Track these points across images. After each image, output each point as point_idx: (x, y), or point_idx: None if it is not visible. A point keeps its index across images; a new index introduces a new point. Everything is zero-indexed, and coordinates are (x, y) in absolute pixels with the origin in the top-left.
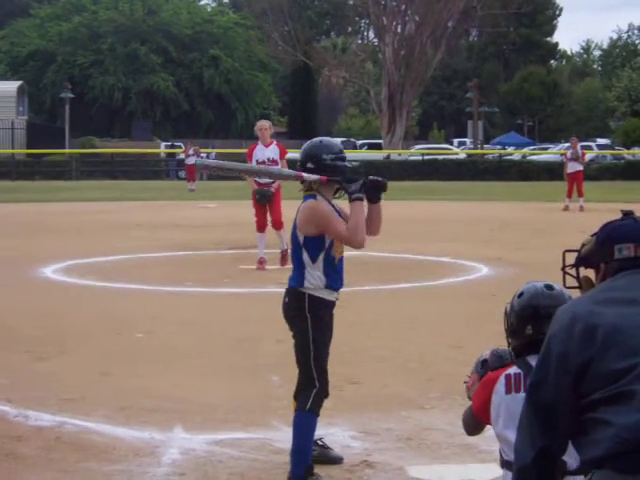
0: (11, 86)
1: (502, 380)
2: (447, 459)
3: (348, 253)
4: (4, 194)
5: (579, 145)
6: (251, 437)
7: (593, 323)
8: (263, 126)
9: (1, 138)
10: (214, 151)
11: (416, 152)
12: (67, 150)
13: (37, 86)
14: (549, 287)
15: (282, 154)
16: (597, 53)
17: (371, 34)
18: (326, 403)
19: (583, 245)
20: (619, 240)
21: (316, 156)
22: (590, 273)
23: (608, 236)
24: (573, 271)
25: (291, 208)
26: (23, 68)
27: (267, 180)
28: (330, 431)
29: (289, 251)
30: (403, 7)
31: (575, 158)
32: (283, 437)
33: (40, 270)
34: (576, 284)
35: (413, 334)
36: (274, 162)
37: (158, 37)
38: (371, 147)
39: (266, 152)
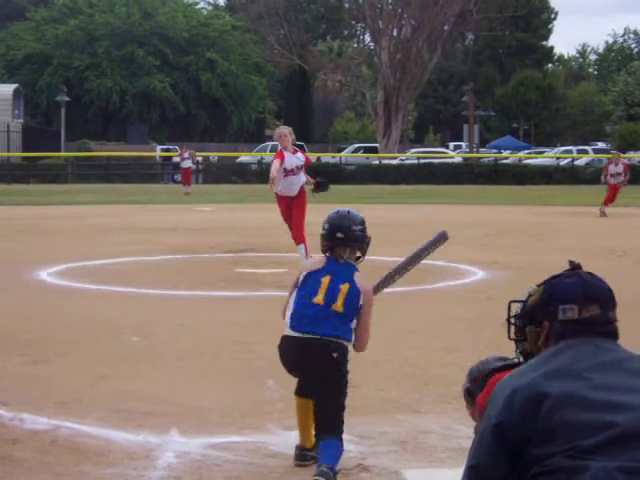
0: (7, 89)
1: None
2: (443, 463)
3: None
4: None
5: (622, 160)
6: (247, 440)
7: (539, 393)
8: (282, 133)
9: None
10: (214, 154)
11: (412, 155)
12: (63, 153)
13: (33, 89)
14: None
15: (306, 163)
16: (593, 57)
17: (367, 38)
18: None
19: (530, 296)
20: (563, 300)
21: (346, 229)
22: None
23: (551, 296)
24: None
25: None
26: (19, 71)
27: (289, 192)
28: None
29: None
30: (399, 11)
31: (619, 173)
32: (278, 440)
33: (35, 273)
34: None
35: (409, 338)
36: (300, 169)
37: (154, 40)
38: (367, 151)
39: (294, 160)
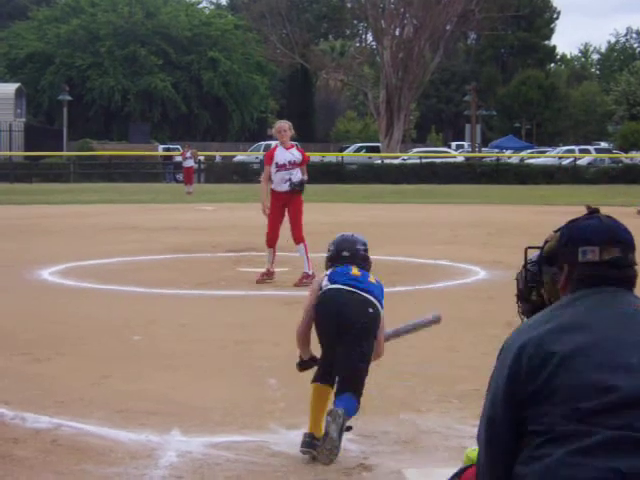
0: (9, 88)
1: None
2: (444, 462)
3: None
4: (1, 196)
5: None
6: (248, 440)
7: (545, 351)
8: (282, 127)
9: None
10: (217, 154)
11: (414, 155)
12: (65, 153)
13: (35, 88)
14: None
15: (304, 160)
16: (595, 57)
17: (369, 37)
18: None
19: (546, 242)
20: (583, 242)
21: (351, 248)
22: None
23: (572, 237)
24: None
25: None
26: (21, 70)
27: (284, 187)
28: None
29: (310, 272)
30: (401, 10)
31: None
32: (280, 440)
33: (37, 272)
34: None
35: (410, 337)
36: (295, 165)
37: (157, 39)
38: (369, 150)
39: (287, 154)
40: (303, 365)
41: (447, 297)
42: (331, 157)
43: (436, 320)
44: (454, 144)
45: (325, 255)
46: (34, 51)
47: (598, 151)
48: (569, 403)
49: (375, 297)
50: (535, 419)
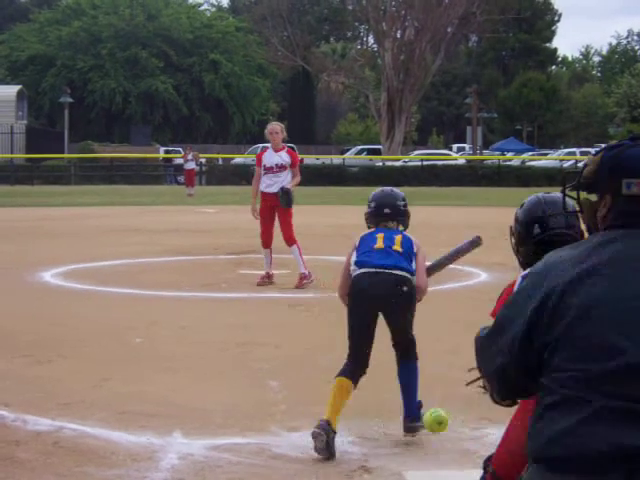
0: (10, 91)
1: (520, 279)
2: (446, 465)
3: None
4: (3, 198)
5: None
6: (250, 442)
7: (566, 302)
8: (274, 129)
9: (0, 143)
10: (219, 156)
11: (415, 157)
12: (66, 155)
13: (36, 90)
14: (547, 193)
15: (294, 162)
16: (596, 59)
17: (370, 39)
18: (324, 408)
19: (585, 165)
20: (629, 174)
21: (393, 204)
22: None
23: (617, 166)
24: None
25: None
26: (22, 72)
27: (272, 188)
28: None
29: (306, 272)
30: (402, 13)
31: None
32: (282, 442)
33: (39, 275)
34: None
35: None
36: (282, 168)
37: (158, 42)
38: (370, 152)
39: (275, 157)
40: None
41: (449, 299)
42: (331, 159)
43: (476, 242)
44: (455, 146)
45: (365, 212)
46: (35, 53)
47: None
48: (580, 363)
49: (404, 268)
50: (548, 372)
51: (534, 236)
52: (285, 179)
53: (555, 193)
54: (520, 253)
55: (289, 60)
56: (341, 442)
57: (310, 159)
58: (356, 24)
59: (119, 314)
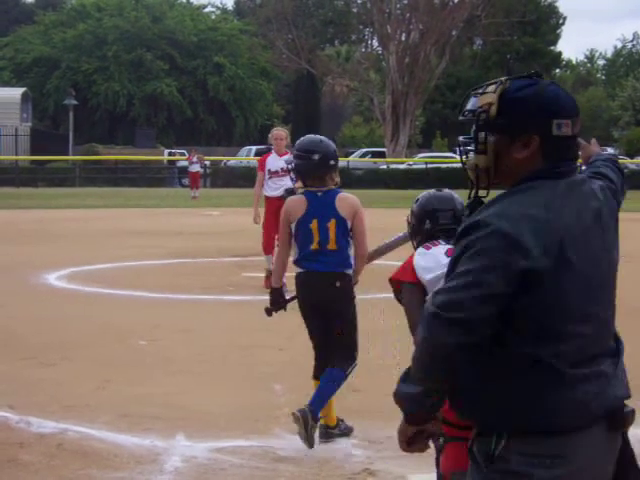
0: (15, 93)
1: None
2: None
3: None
4: (7, 200)
5: None
6: (253, 445)
7: (554, 239)
8: (279, 135)
9: (5, 145)
10: (225, 159)
11: (419, 160)
12: (70, 157)
13: (41, 92)
14: (438, 190)
15: None
16: (601, 62)
17: (375, 42)
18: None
19: (488, 105)
20: (559, 114)
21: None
22: None
23: (546, 106)
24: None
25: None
26: (27, 75)
27: (278, 192)
28: (332, 439)
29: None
30: (407, 16)
31: None
32: (285, 445)
33: (43, 277)
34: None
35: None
36: (287, 172)
37: (163, 44)
38: (375, 155)
39: (279, 162)
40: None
41: None
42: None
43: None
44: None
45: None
46: (40, 55)
47: None
48: (556, 317)
49: (337, 263)
50: (521, 316)
51: (426, 229)
52: (289, 183)
53: (446, 190)
54: (415, 240)
55: (294, 63)
56: (345, 445)
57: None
58: (361, 27)
59: (123, 317)
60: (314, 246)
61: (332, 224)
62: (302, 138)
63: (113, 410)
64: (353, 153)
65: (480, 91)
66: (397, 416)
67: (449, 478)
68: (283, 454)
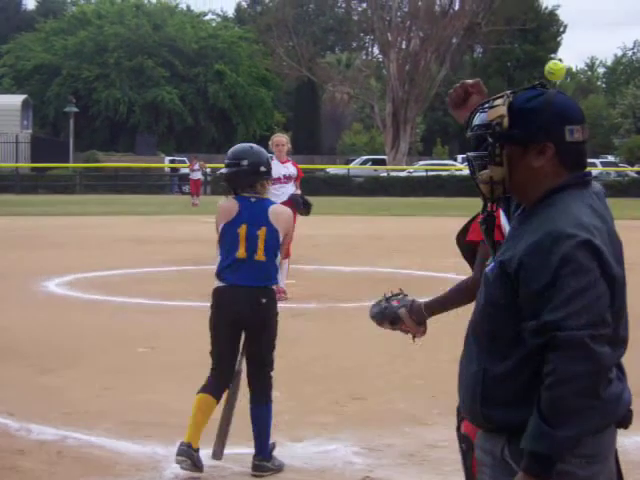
0: (16, 100)
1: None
2: (450, 476)
3: (353, 269)
4: (8, 208)
5: None
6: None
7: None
8: (280, 142)
9: (5, 152)
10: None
11: (420, 168)
12: (71, 164)
13: (41, 100)
14: None
15: (299, 176)
16: (602, 70)
17: (375, 50)
18: (329, 419)
19: (501, 118)
20: (571, 120)
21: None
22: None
23: (559, 113)
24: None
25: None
26: (28, 82)
27: (281, 198)
28: (333, 447)
29: (284, 287)
30: (408, 23)
31: None
32: (286, 452)
33: (43, 284)
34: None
35: (416, 350)
36: (289, 179)
37: (163, 51)
38: (375, 163)
39: (281, 169)
40: None
41: (453, 309)
42: (337, 169)
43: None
44: (460, 157)
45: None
46: (41, 63)
47: (604, 165)
48: (620, 323)
49: (263, 277)
50: None
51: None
52: (291, 190)
53: None
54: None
55: (294, 70)
56: (345, 453)
57: (310, 169)
58: (361, 35)
59: (123, 323)
60: (240, 254)
61: (262, 232)
62: (233, 147)
63: (113, 417)
64: (353, 161)
65: (487, 106)
66: (397, 424)
67: None
68: (284, 461)
